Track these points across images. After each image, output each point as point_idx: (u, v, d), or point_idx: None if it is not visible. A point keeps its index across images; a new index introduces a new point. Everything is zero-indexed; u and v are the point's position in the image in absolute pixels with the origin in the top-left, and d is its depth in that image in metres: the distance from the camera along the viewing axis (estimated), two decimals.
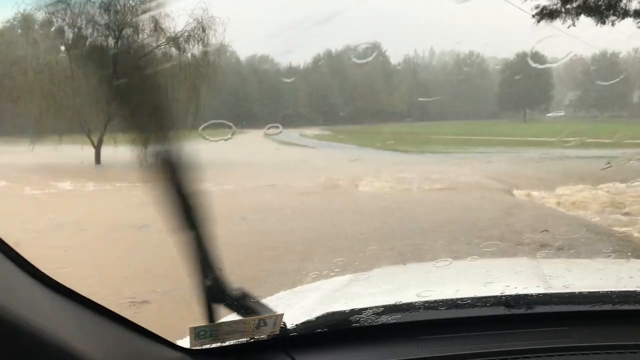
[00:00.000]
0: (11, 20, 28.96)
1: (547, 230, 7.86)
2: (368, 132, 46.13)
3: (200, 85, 21.00)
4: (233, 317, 1.26)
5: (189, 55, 21.02)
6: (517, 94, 69.41)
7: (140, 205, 11.30)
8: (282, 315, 1.27)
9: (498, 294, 1.41)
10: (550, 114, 64.63)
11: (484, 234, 7.86)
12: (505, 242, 7.27)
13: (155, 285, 5.52)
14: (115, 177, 14.66)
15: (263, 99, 63.77)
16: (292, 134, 41.43)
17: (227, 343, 1.24)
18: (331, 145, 34.07)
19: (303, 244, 7.55)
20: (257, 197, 12.18)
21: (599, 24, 11.41)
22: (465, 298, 1.39)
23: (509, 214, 9.72)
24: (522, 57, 73.01)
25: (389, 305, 1.37)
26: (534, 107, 71.68)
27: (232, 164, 19.03)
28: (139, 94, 1.21)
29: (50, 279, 0.83)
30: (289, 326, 1.31)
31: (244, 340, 1.26)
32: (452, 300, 1.41)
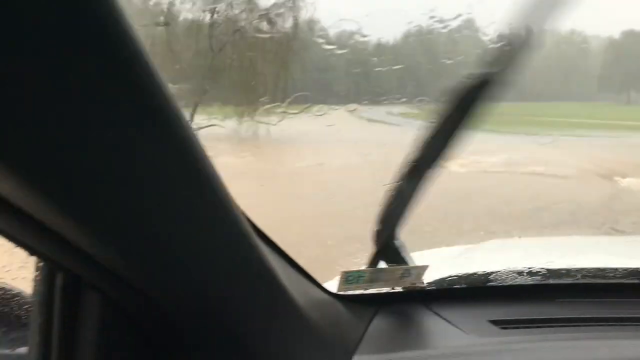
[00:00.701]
0: None
1: None
2: None
3: (289, 60, 21.18)
4: (381, 265, 1.31)
5: (280, 29, 21.24)
6: (621, 74, 65.27)
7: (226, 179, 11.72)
8: (426, 267, 1.33)
9: (627, 266, 1.42)
10: None
11: (588, 220, 7.64)
12: (612, 228, 7.04)
13: None
14: (207, 150, 15.20)
15: (350, 75, 63.79)
16: (379, 111, 41.16)
17: (369, 291, 1.29)
18: (418, 124, 33.65)
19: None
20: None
21: None
22: (600, 267, 1.38)
23: (612, 202, 9.32)
24: (629, 35, 68.72)
25: (529, 267, 1.39)
26: (639, 89, 67.36)
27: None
28: (232, 68, 1.24)
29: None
30: (426, 281, 1.35)
31: (384, 290, 1.28)
32: (589, 268, 1.41)
